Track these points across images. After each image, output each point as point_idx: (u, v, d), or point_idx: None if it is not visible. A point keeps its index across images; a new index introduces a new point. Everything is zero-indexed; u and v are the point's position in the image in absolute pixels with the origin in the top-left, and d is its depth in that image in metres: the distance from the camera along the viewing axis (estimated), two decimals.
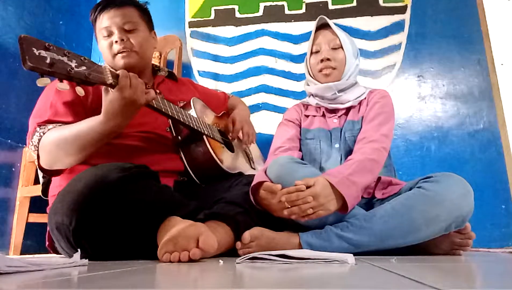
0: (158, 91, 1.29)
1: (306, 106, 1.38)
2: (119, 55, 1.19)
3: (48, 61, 0.77)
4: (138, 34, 1.23)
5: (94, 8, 1.24)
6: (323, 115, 1.31)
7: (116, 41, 1.19)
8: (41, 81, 0.78)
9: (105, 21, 1.20)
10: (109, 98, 0.93)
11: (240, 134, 1.40)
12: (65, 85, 0.82)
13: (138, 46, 1.22)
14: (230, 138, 1.42)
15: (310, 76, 1.32)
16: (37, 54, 0.76)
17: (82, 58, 0.85)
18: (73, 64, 0.82)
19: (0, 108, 1.67)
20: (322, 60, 1.26)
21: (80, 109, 1.11)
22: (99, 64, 0.90)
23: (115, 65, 1.21)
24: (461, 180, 1.00)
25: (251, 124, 1.49)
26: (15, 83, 1.75)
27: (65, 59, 0.81)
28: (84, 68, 0.84)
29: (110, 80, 0.90)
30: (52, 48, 0.79)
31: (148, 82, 1.29)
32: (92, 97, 1.13)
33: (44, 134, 1.03)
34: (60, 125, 1.05)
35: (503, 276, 0.58)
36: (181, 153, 1.23)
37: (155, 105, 1.04)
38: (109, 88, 0.92)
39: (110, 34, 1.20)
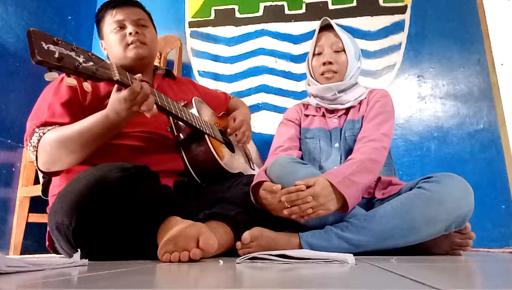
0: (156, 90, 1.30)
1: (306, 105, 1.38)
2: (131, 46, 1.22)
3: (56, 55, 0.78)
4: (149, 31, 1.29)
5: (105, 5, 1.27)
6: (323, 115, 1.31)
7: (131, 33, 1.22)
8: (49, 75, 0.78)
9: (119, 15, 1.24)
10: (116, 95, 0.95)
11: (237, 132, 1.39)
12: (72, 80, 0.83)
13: (150, 40, 1.27)
14: (228, 134, 1.42)
15: (311, 76, 1.32)
16: (45, 48, 0.76)
17: (89, 53, 0.86)
18: (81, 59, 0.83)
19: (0, 108, 1.67)
20: (324, 63, 1.26)
21: (78, 110, 1.11)
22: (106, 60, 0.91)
23: (125, 57, 1.23)
24: (461, 180, 1.00)
25: (250, 126, 1.49)
26: (15, 83, 1.74)
27: (73, 54, 0.81)
28: (91, 63, 0.85)
29: (117, 76, 0.90)
30: (61, 42, 0.79)
31: (148, 80, 1.29)
32: (90, 97, 1.14)
33: (44, 134, 1.03)
34: (58, 126, 1.05)
35: (503, 276, 0.58)
36: (182, 152, 1.23)
37: (159, 103, 1.04)
38: (117, 84, 0.93)
39: (122, 27, 1.24)
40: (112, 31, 1.23)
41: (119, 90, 0.95)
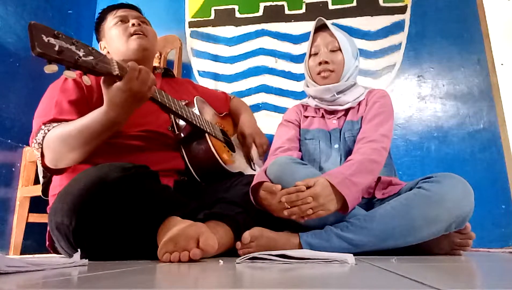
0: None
1: (306, 106, 1.38)
2: (134, 36, 1.24)
3: (56, 48, 0.78)
4: (150, 28, 1.33)
5: (107, 8, 1.32)
6: (322, 116, 1.31)
7: (133, 24, 1.25)
8: (49, 68, 0.78)
9: (120, 12, 1.29)
10: (114, 88, 0.93)
11: (254, 148, 1.41)
12: (71, 73, 0.83)
13: (151, 35, 1.30)
14: (230, 134, 1.42)
15: (309, 77, 1.32)
16: (46, 41, 0.77)
17: (89, 48, 0.86)
18: (81, 53, 0.83)
19: (0, 108, 1.67)
20: (320, 63, 1.26)
21: (85, 107, 1.10)
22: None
23: (127, 49, 1.23)
24: (461, 180, 1.00)
25: (261, 132, 1.49)
26: (15, 83, 1.75)
27: (73, 47, 0.82)
28: (91, 57, 0.85)
29: (116, 70, 0.90)
30: (61, 36, 0.80)
31: None
32: (96, 95, 1.14)
33: (48, 131, 1.03)
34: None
35: (503, 276, 0.58)
36: (183, 151, 1.23)
37: (159, 99, 1.04)
38: (116, 80, 0.93)
39: (124, 21, 1.27)
40: (115, 25, 1.26)
41: (108, 81, 0.93)
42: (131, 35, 1.24)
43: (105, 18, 1.30)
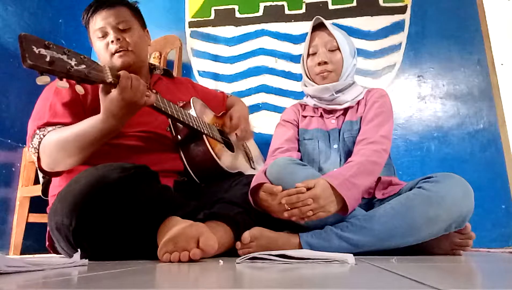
0: (154, 90, 1.29)
1: (304, 106, 1.37)
2: (116, 54, 1.19)
3: (47, 59, 0.78)
4: (133, 33, 1.23)
5: (86, 11, 1.23)
6: (321, 116, 1.31)
7: (112, 41, 1.18)
8: (40, 79, 0.78)
9: (99, 22, 1.20)
10: (109, 97, 0.93)
11: (237, 130, 1.39)
12: (64, 83, 0.83)
13: (133, 44, 1.22)
14: (227, 133, 1.41)
15: (307, 77, 1.32)
16: (36, 52, 0.76)
17: (81, 56, 0.85)
18: (73, 63, 0.83)
19: (0, 108, 1.67)
20: (319, 63, 1.25)
21: (79, 109, 1.11)
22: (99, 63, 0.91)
23: (114, 65, 1.21)
24: (461, 180, 1.00)
25: (249, 121, 1.49)
26: (15, 83, 1.75)
27: (64, 57, 0.81)
28: (83, 66, 0.85)
29: (110, 78, 0.90)
30: (52, 46, 0.79)
31: (145, 81, 1.29)
32: (91, 97, 1.13)
33: (44, 136, 1.03)
34: (59, 127, 1.05)
35: (503, 276, 0.58)
36: (181, 153, 1.23)
37: (154, 104, 1.04)
38: (110, 87, 0.92)
39: (105, 35, 1.20)
40: (97, 39, 1.21)
41: (104, 90, 0.93)
42: (113, 54, 1.19)
43: (88, 24, 1.24)
